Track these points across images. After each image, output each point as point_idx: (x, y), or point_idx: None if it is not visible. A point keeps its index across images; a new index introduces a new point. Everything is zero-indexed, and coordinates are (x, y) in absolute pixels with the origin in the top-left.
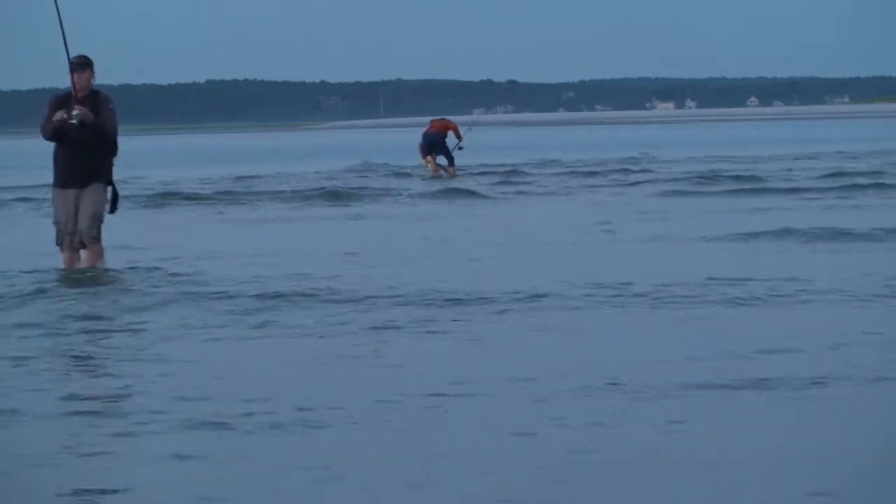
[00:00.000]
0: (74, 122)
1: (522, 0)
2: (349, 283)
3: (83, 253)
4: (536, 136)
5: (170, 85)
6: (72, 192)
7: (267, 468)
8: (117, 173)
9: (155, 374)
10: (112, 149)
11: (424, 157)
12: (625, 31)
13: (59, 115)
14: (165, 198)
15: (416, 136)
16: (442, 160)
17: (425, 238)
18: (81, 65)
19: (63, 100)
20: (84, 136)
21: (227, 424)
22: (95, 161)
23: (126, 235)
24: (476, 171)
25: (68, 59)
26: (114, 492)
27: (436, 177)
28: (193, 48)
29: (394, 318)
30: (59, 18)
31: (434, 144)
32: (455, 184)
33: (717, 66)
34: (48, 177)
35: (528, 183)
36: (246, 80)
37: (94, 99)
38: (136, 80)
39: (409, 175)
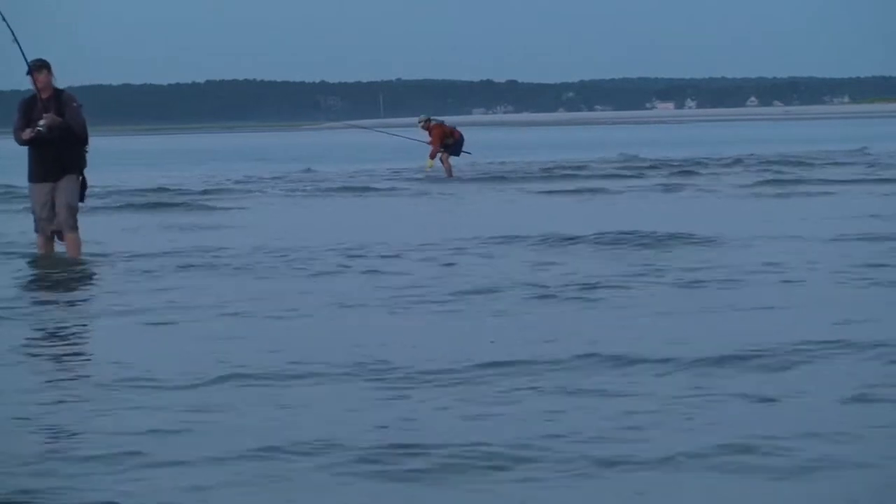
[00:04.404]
0: (43, 130)
1: (522, 0)
2: None
3: (65, 243)
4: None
5: (170, 85)
6: (47, 186)
7: None
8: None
9: None
10: (82, 140)
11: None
12: (625, 31)
13: (28, 132)
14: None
15: (415, 135)
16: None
17: None
18: (38, 67)
19: (31, 102)
20: (53, 135)
21: None
22: (66, 156)
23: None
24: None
25: (26, 62)
26: None
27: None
28: (193, 48)
29: None
30: (8, 25)
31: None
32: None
33: (717, 66)
34: None
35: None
36: (246, 80)
37: (59, 98)
38: (136, 80)
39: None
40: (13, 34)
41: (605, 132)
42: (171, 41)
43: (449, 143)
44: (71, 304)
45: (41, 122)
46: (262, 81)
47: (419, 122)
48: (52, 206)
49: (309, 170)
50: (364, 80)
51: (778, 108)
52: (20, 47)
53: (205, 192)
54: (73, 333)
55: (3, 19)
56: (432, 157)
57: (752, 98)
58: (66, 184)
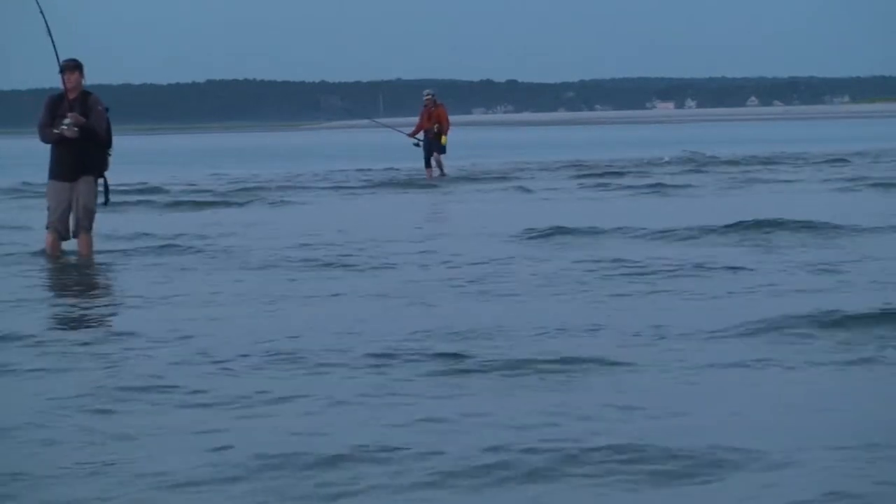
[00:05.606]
0: (66, 129)
1: (522, 0)
2: None
3: (77, 242)
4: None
5: (170, 85)
6: (66, 185)
7: None
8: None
9: None
10: (105, 143)
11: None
12: (625, 31)
13: (58, 132)
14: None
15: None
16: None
17: None
18: (71, 67)
19: (57, 100)
20: (75, 136)
21: None
22: (86, 157)
23: None
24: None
25: (58, 60)
26: None
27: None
28: (193, 48)
29: None
30: (46, 23)
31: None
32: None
33: (717, 66)
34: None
35: None
36: (246, 80)
37: (85, 100)
38: (136, 80)
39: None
40: (53, 42)
41: (656, 131)
42: (171, 41)
43: (434, 130)
44: (75, 300)
45: (66, 121)
46: (262, 81)
47: (426, 94)
48: (69, 205)
49: (364, 170)
50: (364, 80)
51: (778, 108)
52: (55, 49)
53: (236, 191)
54: (83, 322)
55: (47, 27)
56: (412, 135)
57: (753, 98)
58: (85, 186)
